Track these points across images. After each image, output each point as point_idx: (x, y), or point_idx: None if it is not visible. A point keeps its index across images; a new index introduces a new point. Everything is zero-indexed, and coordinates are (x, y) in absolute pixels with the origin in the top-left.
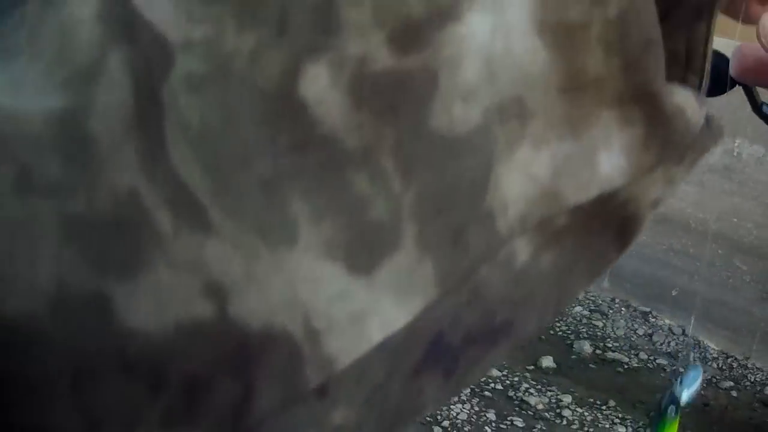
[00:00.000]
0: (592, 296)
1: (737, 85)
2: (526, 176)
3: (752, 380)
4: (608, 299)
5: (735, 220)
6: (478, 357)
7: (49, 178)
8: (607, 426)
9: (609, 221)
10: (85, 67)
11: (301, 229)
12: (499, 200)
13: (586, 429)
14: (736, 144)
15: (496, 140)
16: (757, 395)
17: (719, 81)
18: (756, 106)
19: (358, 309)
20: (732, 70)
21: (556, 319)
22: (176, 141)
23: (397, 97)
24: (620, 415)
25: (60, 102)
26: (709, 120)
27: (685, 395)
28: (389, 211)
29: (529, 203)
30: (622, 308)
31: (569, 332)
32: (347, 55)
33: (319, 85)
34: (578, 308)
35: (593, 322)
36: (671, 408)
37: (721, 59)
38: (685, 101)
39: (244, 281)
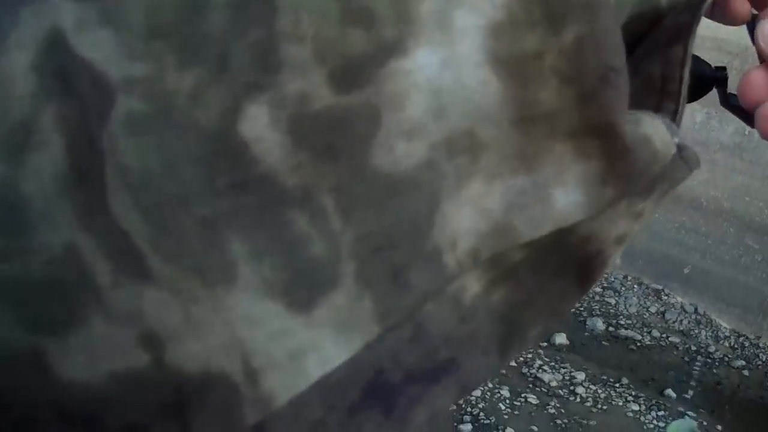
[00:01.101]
0: (605, 274)
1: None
2: (477, 210)
3: (764, 359)
4: (620, 276)
5: (746, 198)
6: (419, 395)
7: None
8: (621, 403)
9: (568, 258)
10: (16, 128)
11: (240, 269)
12: (447, 235)
13: (599, 406)
14: None
15: (444, 175)
16: None
17: (701, 86)
18: (725, 99)
19: (297, 346)
20: (743, 101)
21: None
22: (117, 188)
23: (337, 136)
24: (633, 393)
25: None
26: (681, 149)
27: None
28: (328, 249)
29: (481, 238)
30: (635, 285)
31: (582, 309)
32: (287, 93)
33: (259, 125)
34: None
35: (606, 299)
36: None
37: (700, 62)
38: (654, 131)
39: (182, 327)
